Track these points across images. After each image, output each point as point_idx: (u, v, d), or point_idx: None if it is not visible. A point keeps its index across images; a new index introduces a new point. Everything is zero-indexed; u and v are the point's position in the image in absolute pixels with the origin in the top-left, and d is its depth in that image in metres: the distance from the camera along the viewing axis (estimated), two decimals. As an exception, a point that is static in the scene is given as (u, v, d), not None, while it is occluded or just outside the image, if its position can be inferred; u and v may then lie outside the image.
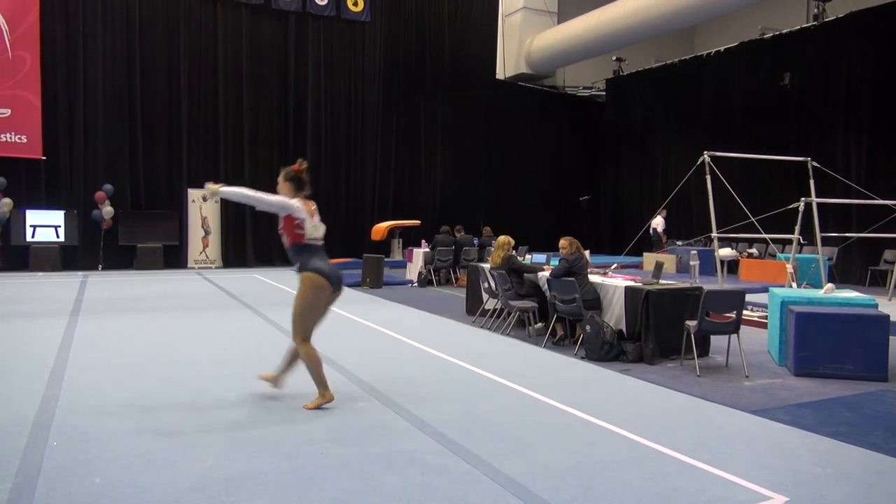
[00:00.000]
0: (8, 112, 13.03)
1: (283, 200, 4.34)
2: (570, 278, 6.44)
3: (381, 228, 15.40)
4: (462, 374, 5.41)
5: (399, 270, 13.70)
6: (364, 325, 7.65)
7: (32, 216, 13.25)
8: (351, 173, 16.50)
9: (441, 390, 4.90)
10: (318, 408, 4.32)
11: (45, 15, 13.33)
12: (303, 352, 4.36)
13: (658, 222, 15.28)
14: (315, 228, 4.40)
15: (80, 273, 13.05)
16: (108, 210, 13.56)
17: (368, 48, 16.59)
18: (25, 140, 13.21)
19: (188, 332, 7.20)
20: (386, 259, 12.99)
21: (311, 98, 15.92)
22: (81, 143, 13.81)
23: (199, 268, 14.55)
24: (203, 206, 14.61)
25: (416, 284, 12.27)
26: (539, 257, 8.37)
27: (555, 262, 7.38)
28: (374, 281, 11.72)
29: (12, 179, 13.01)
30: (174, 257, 14.48)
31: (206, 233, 14.74)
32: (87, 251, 13.78)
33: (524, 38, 18.97)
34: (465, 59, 18.13)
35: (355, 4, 16.23)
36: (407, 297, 10.32)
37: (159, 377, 5.11)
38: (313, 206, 4.48)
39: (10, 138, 13.09)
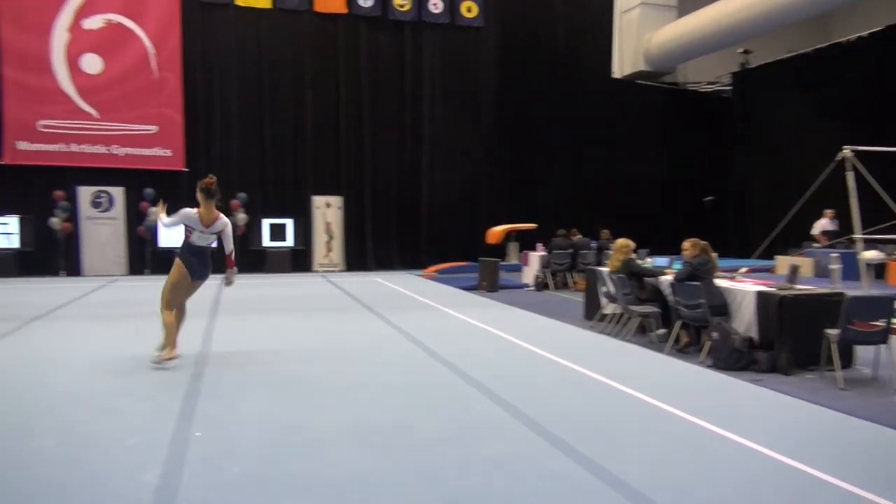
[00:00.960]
0: (155, 129, 14.25)
1: (181, 215, 5.67)
2: (694, 282, 6.15)
3: (496, 232, 15.42)
4: (580, 379, 5.29)
5: (515, 274, 13.66)
6: (480, 327, 7.68)
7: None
8: (466, 177, 16.63)
9: (559, 395, 4.82)
10: (168, 360, 5.50)
11: (186, 39, 14.46)
12: (165, 317, 5.62)
13: (823, 224, 14.15)
14: (200, 238, 5.73)
15: (219, 276, 13.96)
16: (241, 217, 14.44)
17: (482, 52, 16.68)
18: (171, 153, 14.38)
19: (312, 331, 7.52)
20: (502, 262, 12.99)
21: (426, 104, 16.23)
22: (218, 155, 14.85)
23: (324, 271, 15.19)
24: (327, 212, 15.27)
25: (532, 288, 12.18)
26: (661, 261, 8.05)
27: (678, 265, 7.07)
28: (490, 284, 11.75)
29: (160, 190, 14.17)
30: (300, 261, 15.21)
31: (330, 237, 15.38)
32: (221, 253, 14.72)
33: (642, 34, 18.34)
34: (579, 59, 17.81)
35: (469, 10, 16.37)
36: (523, 301, 10.27)
37: (287, 372, 5.37)
38: (216, 214, 5.74)
39: (158, 152, 14.31)
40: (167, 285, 5.72)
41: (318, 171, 15.49)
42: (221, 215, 5.84)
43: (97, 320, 8.22)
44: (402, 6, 15.77)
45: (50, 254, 13.60)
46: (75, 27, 13.77)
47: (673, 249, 8.60)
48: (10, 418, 4.20)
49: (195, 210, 5.68)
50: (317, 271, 15.18)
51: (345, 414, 4.31)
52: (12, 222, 13.32)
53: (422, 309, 9.30)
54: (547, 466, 3.39)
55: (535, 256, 12.56)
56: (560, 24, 17.67)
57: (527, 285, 12.47)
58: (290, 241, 15.10)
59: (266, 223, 14.94)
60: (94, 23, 13.89)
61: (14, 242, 13.36)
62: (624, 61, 18.75)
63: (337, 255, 15.47)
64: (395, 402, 4.59)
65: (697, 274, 6.23)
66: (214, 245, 5.87)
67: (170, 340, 5.64)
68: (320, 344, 6.78)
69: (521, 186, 17.18)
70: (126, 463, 3.43)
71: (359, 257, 15.74)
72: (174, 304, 5.74)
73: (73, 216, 13.73)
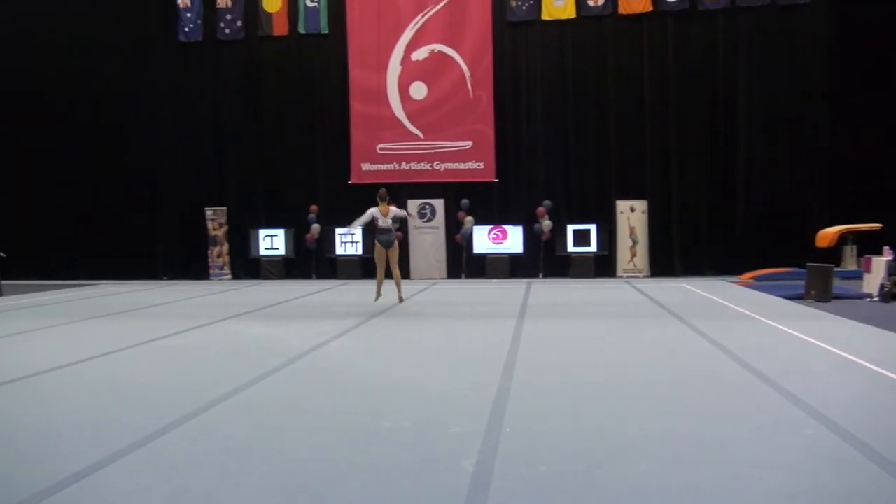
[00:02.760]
0: (470, 144, 15.52)
1: (369, 213, 9.89)
2: None
3: (829, 234, 13.48)
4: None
5: (853, 282, 11.80)
6: (808, 342, 6.79)
7: (481, 231, 15.44)
8: (788, 172, 14.84)
9: (917, 429, 4.02)
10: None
11: (497, 58, 15.45)
12: (378, 276, 10.00)
13: None
14: (383, 222, 9.82)
15: (524, 280, 14.68)
16: (546, 224, 14.94)
17: (810, 33, 14.75)
18: (482, 166, 15.53)
19: (617, 338, 7.41)
20: (836, 269, 11.33)
21: (741, 96, 14.91)
22: (526, 165, 15.58)
23: (627, 276, 14.93)
24: (631, 216, 14.98)
25: (875, 299, 10.40)
26: None
27: None
28: (820, 293, 10.33)
29: (474, 200, 15.43)
30: (604, 266, 15.15)
31: (634, 242, 15.06)
32: (529, 260, 15.41)
33: None
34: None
35: (795, -12, 14.62)
36: (864, 314, 8.79)
37: (591, 380, 5.38)
38: (388, 208, 9.90)
39: (472, 166, 15.57)
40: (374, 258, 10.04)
41: (622, 175, 15.27)
42: (392, 207, 10.02)
43: (423, 318, 9.21)
44: (712, -6, 14.75)
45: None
46: (406, 60, 15.69)
47: None
48: (362, 401, 4.92)
49: (376, 208, 9.90)
50: (620, 276, 14.98)
51: (651, 424, 4.17)
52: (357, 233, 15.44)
53: (737, 319, 8.56)
54: (900, 512, 2.85)
55: (881, 262, 10.68)
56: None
57: (869, 295, 10.69)
58: (593, 246, 15.16)
59: (570, 229, 15.22)
60: (420, 54, 15.67)
61: (358, 250, 15.59)
62: None
63: (641, 260, 15.07)
64: (706, 417, 4.29)
65: None
66: (393, 226, 10.16)
67: (378, 288, 10.16)
68: (627, 351, 6.66)
69: (860, 180, 14.71)
70: (448, 449, 3.77)
71: (665, 262, 15.10)
72: (381, 268, 10.09)
73: (402, 226, 15.63)
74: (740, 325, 8.10)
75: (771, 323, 8.04)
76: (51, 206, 16.89)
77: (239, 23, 16.14)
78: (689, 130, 15.09)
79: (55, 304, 11.85)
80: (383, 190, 10.26)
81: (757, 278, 13.05)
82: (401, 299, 10.32)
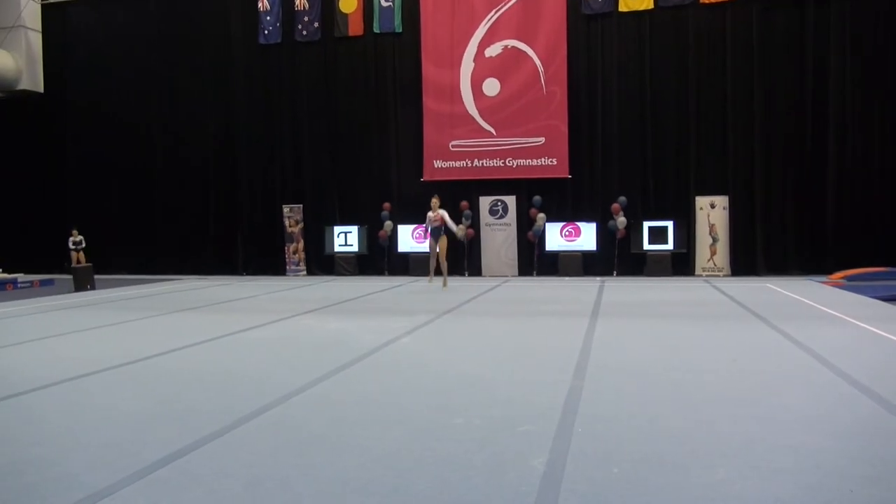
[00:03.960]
0: (542, 140, 15.37)
1: (428, 218, 12.72)
2: None
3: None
4: None
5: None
6: (906, 348, 6.40)
7: (553, 228, 15.32)
8: (889, 164, 13.96)
9: None
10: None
11: (571, 52, 15.25)
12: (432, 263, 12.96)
13: None
14: (429, 224, 12.69)
15: (598, 278, 14.45)
16: (621, 220, 14.65)
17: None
18: (555, 162, 15.35)
19: (696, 339, 7.22)
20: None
21: (832, 88, 14.16)
22: (599, 161, 15.32)
23: (707, 275, 14.47)
24: (710, 213, 14.50)
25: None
26: None
27: None
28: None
29: (546, 197, 15.29)
30: (682, 265, 14.75)
31: (714, 240, 14.57)
32: (603, 257, 15.16)
33: None
34: None
35: (896, -30, 13.75)
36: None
37: (668, 382, 5.25)
38: (434, 214, 12.52)
39: (544, 162, 15.40)
40: (441, 251, 12.60)
41: (702, 170, 14.81)
42: (432, 213, 12.53)
43: (493, 316, 9.22)
44: (803, -23, 14.06)
45: (460, 258, 15.71)
46: (479, 56, 15.70)
47: None
48: (435, 397, 4.98)
49: (428, 214, 12.60)
50: (699, 275, 14.53)
51: (732, 429, 4.03)
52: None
53: (827, 321, 8.16)
54: None
55: None
56: None
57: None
58: (670, 244, 14.77)
59: (646, 226, 14.87)
60: (493, 50, 15.64)
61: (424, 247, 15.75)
62: None
63: (721, 258, 14.56)
64: (790, 423, 4.11)
65: None
66: (438, 225, 12.53)
67: (430, 271, 13.18)
68: (705, 354, 6.46)
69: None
70: (518, 447, 3.77)
71: (747, 261, 14.53)
72: (432, 257, 12.89)
73: (475, 223, 15.67)
74: (830, 327, 7.71)
75: (864, 325, 7.62)
76: (144, 206, 17.88)
77: (316, 24, 16.58)
78: (775, 122, 14.47)
79: (143, 297, 12.52)
80: (433, 200, 12.78)
81: (848, 278, 12.39)
82: (444, 284, 12.80)
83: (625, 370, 5.69)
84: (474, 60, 15.71)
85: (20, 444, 4.04)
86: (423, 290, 12.71)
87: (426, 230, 13.15)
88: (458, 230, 13.84)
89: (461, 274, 15.65)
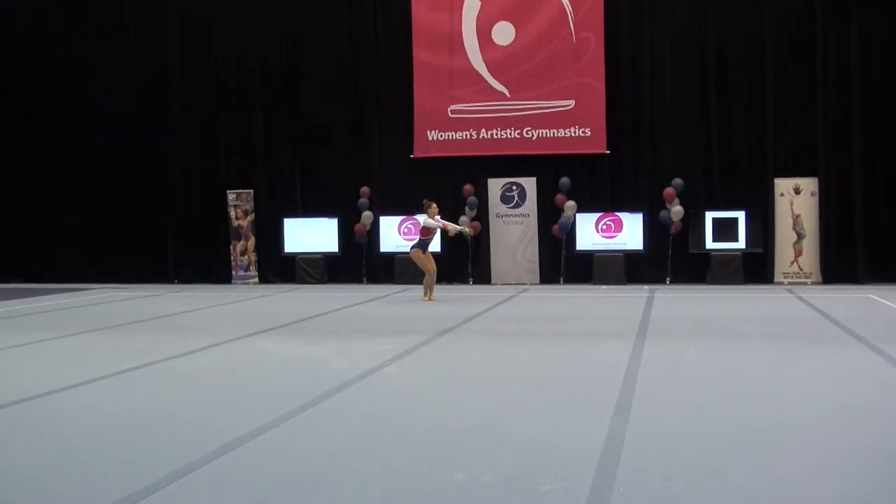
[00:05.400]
0: (571, 104, 15.29)
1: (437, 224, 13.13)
2: None
3: None
4: None
5: None
6: None
7: (586, 221, 15.25)
8: None
9: None
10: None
11: (609, -13, 15.24)
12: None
13: None
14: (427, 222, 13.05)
15: (645, 286, 14.44)
16: (676, 210, 14.61)
17: None
18: (589, 133, 15.25)
19: (775, 368, 7.19)
20: None
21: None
22: (647, 132, 15.28)
23: (790, 282, 14.47)
24: (794, 200, 14.49)
25: None
26: None
27: None
28: None
29: (576, 179, 15.23)
30: (757, 268, 14.75)
31: (799, 237, 14.57)
32: (652, 260, 15.15)
33: None
34: None
35: None
36: None
37: (737, 426, 5.22)
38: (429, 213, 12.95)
39: (574, 133, 15.34)
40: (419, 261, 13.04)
41: (783, 147, 14.76)
42: (433, 221, 12.92)
43: (507, 337, 9.19)
44: None
45: (462, 259, 15.68)
46: (487, -7, 15.67)
47: None
48: (428, 445, 4.95)
49: (428, 220, 12.90)
50: (780, 283, 14.53)
51: (821, 490, 4.01)
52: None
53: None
54: None
55: None
56: None
57: None
58: (741, 241, 14.76)
59: (709, 217, 14.86)
60: (506, -15, 15.63)
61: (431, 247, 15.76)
62: None
63: (809, 260, 14.56)
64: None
65: None
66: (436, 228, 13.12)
67: (427, 291, 12.97)
68: (790, 387, 6.44)
69: None
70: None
71: (844, 264, 14.50)
72: (429, 274, 12.98)
73: (482, 213, 15.60)
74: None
75: None
76: (35, 195, 17.69)
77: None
78: (875, 84, 14.37)
79: (37, 314, 12.48)
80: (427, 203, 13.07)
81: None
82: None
83: (682, 410, 5.66)
84: (481, -1, 15.70)
85: None
86: (413, 301, 12.68)
87: (426, 242, 12.99)
88: (463, 229, 13.88)
89: (465, 281, 15.63)
